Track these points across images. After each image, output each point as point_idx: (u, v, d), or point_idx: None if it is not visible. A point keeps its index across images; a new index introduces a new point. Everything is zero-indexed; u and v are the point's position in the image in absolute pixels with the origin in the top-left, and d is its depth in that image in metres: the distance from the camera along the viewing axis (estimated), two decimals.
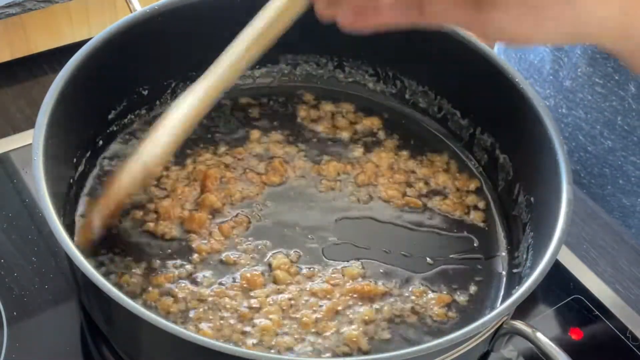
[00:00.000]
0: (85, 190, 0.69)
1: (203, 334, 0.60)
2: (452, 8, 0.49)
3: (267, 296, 0.63)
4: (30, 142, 0.59)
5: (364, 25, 0.51)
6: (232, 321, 0.61)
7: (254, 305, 0.62)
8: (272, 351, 0.60)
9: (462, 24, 0.50)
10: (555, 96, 0.85)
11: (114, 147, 0.73)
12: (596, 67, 0.79)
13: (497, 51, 0.94)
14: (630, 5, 0.50)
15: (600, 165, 0.84)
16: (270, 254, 0.66)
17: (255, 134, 0.76)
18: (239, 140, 0.75)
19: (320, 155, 0.75)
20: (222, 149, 0.74)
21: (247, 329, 0.61)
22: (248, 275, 0.64)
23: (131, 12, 0.73)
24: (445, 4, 0.49)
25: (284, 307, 0.63)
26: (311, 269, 0.66)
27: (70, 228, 0.65)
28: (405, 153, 0.76)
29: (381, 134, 0.78)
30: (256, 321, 0.61)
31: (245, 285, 0.64)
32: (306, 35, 0.78)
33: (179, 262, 0.65)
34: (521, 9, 0.47)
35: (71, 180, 0.67)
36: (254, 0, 0.76)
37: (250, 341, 0.60)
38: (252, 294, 0.63)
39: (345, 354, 0.61)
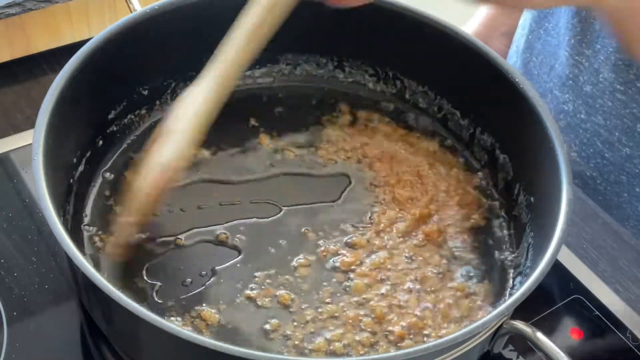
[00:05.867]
0: (86, 190, 0.69)
1: None
2: None
3: None
4: (30, 142, 0.59)
5: (349, 2, 0.52)
6: None
7: None
8: None
9: None
10: (574, 101, 0.84)
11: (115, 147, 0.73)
12: (618, 74, 0.78)
13: (514, 53, 0.92)
14: None
15: (617, 172, 0.83)
16: None
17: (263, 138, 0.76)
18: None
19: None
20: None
21: None
22: None
23: (131, 12, 0.73)
24: None
25: None
26: None
27: (69, 228, 0.65)
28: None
29: None
30: None
31: None
32: (306, 35, 0.78)
33: None
34: None
35: (71, 180, 0.67)
36: None
37: None
38: None
39: None
